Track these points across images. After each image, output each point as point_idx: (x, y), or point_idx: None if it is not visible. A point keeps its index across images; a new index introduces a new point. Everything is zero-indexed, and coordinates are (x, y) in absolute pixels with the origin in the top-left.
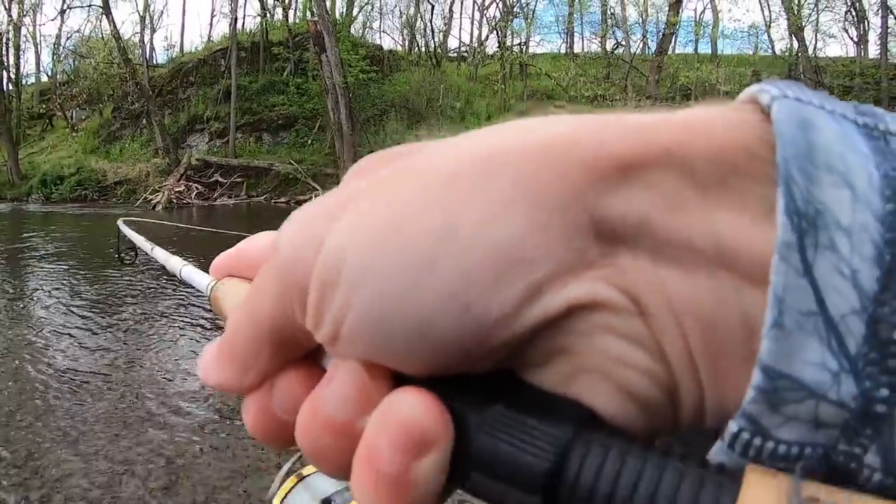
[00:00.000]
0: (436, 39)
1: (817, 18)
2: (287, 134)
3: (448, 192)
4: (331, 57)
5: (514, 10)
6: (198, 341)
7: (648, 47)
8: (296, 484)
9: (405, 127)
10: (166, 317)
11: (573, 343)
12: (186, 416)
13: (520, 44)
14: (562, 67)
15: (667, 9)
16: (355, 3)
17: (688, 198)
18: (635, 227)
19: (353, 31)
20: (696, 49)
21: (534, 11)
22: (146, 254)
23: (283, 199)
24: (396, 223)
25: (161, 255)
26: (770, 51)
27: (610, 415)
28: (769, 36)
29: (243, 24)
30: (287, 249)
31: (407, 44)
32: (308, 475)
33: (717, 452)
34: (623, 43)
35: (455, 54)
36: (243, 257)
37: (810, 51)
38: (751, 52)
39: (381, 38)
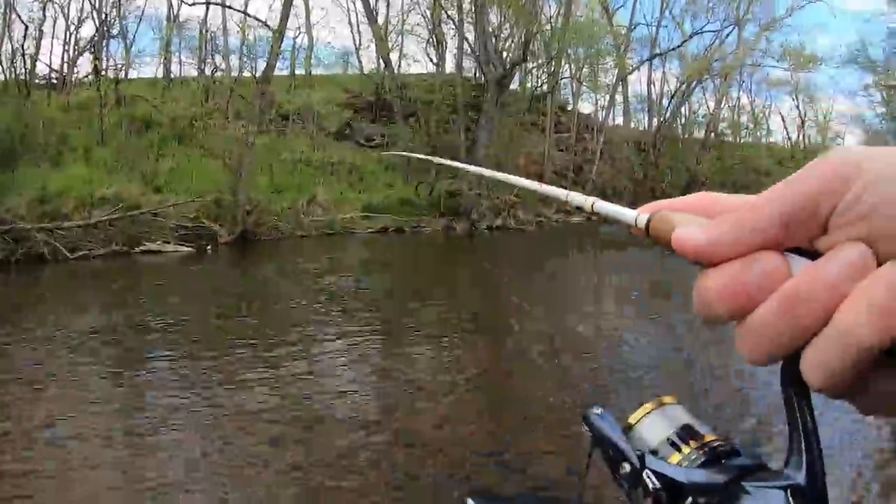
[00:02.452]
0: (26, 65)
1: (402, 43)
2: None
3: None
4: None
5: (110, 31)
6: None
7: (254, 70)
8: (655, 409)
9: None
10: None
11: None
12: None
13: (115, 67)
14: (160, 94)
15: (266, 34)
16: None
17: None
18: None
19: None
20: (292, 72)
21: (134, 35)
22: None
23: None
24: None
25: (563, 194)
26: (359, 71)
27: None
28: (359, 59)
29: None
30: (833, 166)
31: None
32: (667, 404)
33: None
34: (223, 68)
35: (44, 82)
36: (686, 203)
37: (396, 70)
38: (341, 73)
39: None
